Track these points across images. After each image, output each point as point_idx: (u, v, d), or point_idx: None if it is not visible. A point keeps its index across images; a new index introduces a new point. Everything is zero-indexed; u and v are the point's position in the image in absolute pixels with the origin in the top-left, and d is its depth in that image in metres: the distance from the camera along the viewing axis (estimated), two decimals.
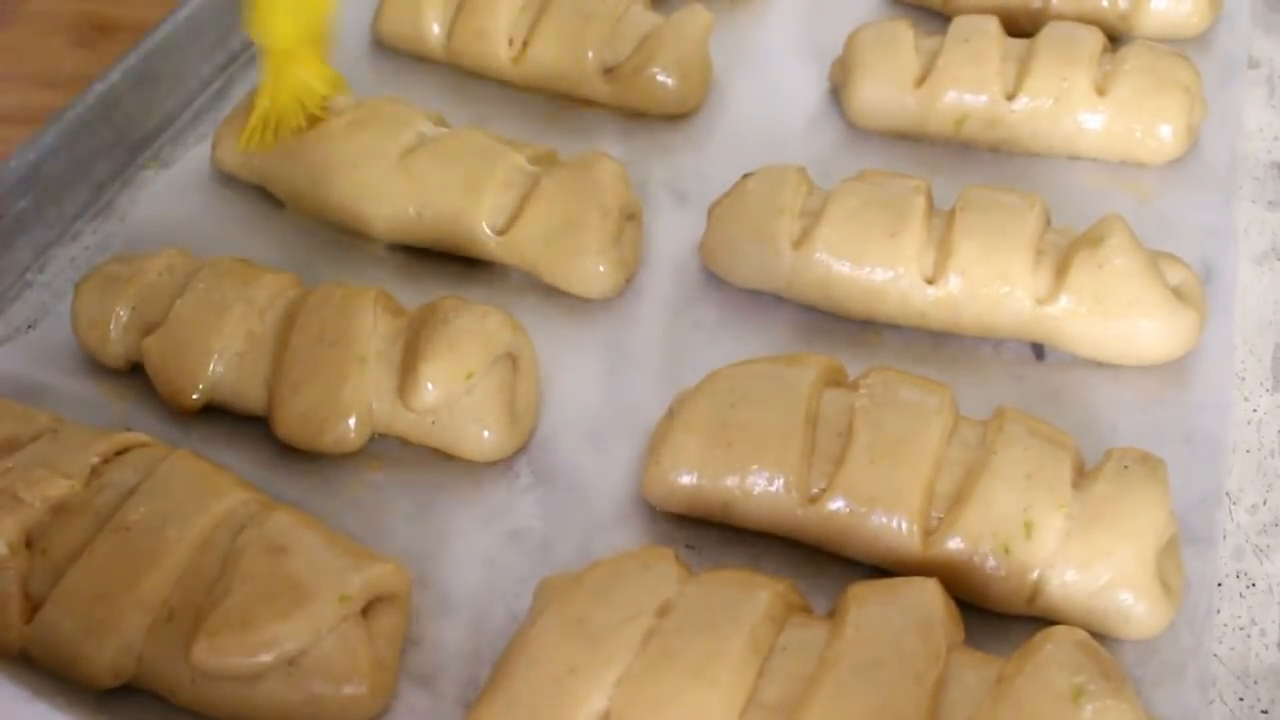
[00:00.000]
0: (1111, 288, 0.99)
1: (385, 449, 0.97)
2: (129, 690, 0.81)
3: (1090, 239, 1.01)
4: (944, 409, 0.89)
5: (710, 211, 1.11)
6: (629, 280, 1.09)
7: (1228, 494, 0.95)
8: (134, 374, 1.00)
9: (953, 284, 1.01)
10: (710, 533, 0.92)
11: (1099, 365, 1.02)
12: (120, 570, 0.80)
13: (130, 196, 1.19)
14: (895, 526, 0.86)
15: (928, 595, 0.78)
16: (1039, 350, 1.04)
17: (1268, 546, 0.93)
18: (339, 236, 1.13)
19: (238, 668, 0.77)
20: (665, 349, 1.05)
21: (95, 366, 1.01)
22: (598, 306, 1.08)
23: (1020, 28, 1.27)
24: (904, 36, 1.23)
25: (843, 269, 1.03)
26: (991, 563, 0.84)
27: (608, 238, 1.06)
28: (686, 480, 0.90)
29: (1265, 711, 0.84)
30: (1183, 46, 1.25)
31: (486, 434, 0.94)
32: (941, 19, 1.32)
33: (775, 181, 1.09)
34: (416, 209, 1.08)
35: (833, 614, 0.79)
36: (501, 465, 0.96)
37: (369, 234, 1.11)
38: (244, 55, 1.34)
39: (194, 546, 0.82)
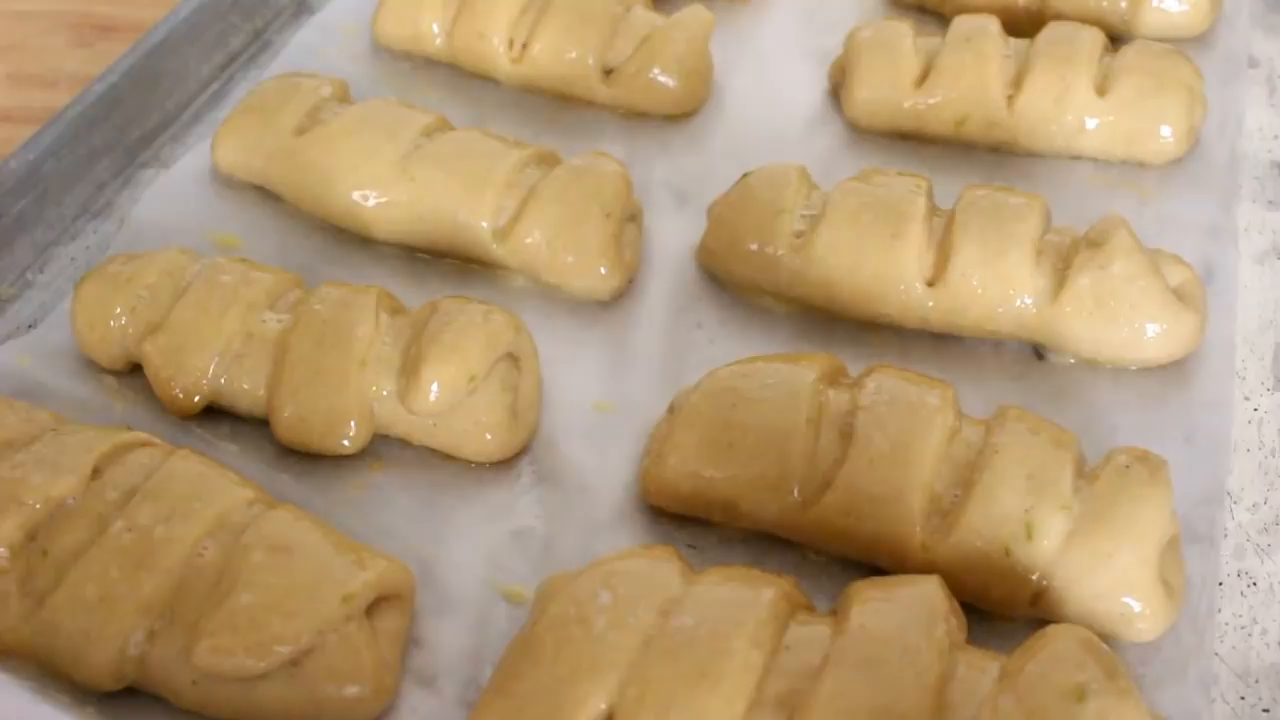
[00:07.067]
0: (1113, 290, 0.99)
1: (387, 448, 0.96)
2: (131, 692, 0.81)
3: (1091, 240, 1.01)
4: (945, 408, 0.89)
5: (710, 211, 1.11)
6: (630, 280, 1.09)
7: (1229, 493, 0.95)
8: (134, 374, 1.00)
9: (953, 285, 1.01)
10: (711, 533, 0.92)
11: (1099, 365, 1.02)
12: (122, 571, 0.79)
13: (130, 196, 1.19)
14: (896, 528, 0.86)
15: (930, 592, 0.78)
16: (1039, 350, 1.04)
17: (1269, 545, 0.93)
18: (339, 236, 1.13)
19: (240, 669, 0.77)
20: (666, 349, 1.05)
21: (95, 366, 1.01)
22: (598, 306, 1.08)
23: (1020, 28, 1.27)
24: (904, 36, 1.22)
25: (843, 270, 1.03)
26: (992, 565, 0.84)
27: (609, 238, 1.06)
28: (687, 480, 0.90)
29: (1267, 710, 0.84)
30: (1183, 46, 1.25)
31: (488, 436, 0.94)
32: (941, 19, 1.33)
33: (776, 181, 1.08)
34: (417, 211, 1.08)
35: (835, 611, 0.79)
36: (503, 465, 0.96)
37: (369, 236, 1.11)
38: (244, 55, 1.34)
39: (196, 547, 0.81)
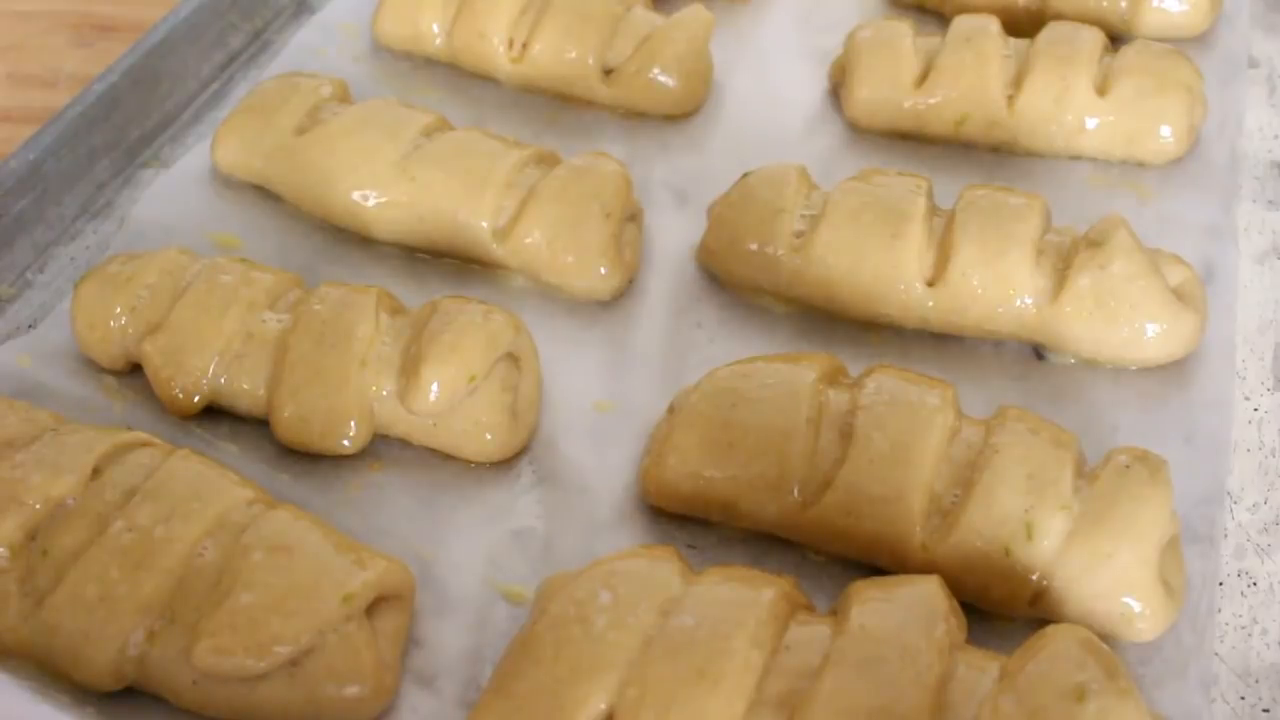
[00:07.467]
0: (1113, 290, 0.99)
1: (387, 448, 0.96)
2: (131, 692, 0.81)
3: (1091, 240, 1.01)
4: (945, 407, 0.89)
5: (710, 211, 1.11)
6: (630, 280, 1.09)
7: (1229, 493, 0.95)
8: (134, 374, 1.00)
9: (953, 285, 1.01)
10: (711, 533, 0.92)
11: (1099, 365, 1.02)
12: (122, 571, 0.79)
13: (130, 196, 1.19)
14: (896, 528, 0.86)
15: (930, 592, 0.78)
16: (1039, 350, 1.04)
17: (1269, 545, 0.93)
18: (339, 236, 1.13)
19: (240, 669, 0.77)
20: (666, 349, 1.05)
21: (95, 366, 1.01)
22: (598, 306, 1.08)
23: (1020, 28, 1.27)
24: (904, 36, 1.22)
25: (843, 270, 1.03)
26: (992, 565, 0.84)
27: (609, 238, 1.06)
28: (687, 480, 0.90)
29: (1267, 710, 0.84)
30: (1183, 46, 1.25)
31: (488, 436, 0.94)
32: (941, 19, 1.33)
33: (776, 181, 1.08)
34: (417, 211, 1.08)
35: (835, 611, 0.79)
36: (503, 465, 0.96)
37: (369, 236, 1.11)
38: (244, 55, 1.34)
39: (195, 547, 0.81)
